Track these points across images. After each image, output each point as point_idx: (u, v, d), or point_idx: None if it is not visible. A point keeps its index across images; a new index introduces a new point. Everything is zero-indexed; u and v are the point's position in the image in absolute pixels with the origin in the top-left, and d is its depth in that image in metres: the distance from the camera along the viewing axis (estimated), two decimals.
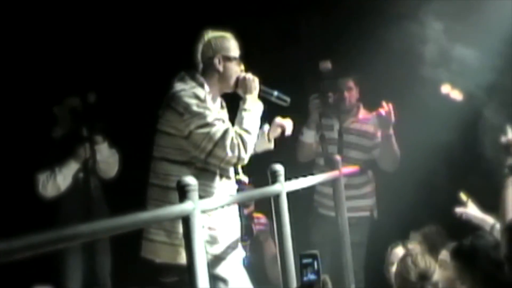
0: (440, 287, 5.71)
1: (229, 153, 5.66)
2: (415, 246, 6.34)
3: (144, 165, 6.08)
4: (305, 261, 4.61)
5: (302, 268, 4.63)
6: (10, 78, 8.85)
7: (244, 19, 9.18)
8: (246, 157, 5.76)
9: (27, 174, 7.90)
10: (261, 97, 6.01)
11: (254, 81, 5.95)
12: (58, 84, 8.36)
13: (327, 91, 8.69)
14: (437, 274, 5.76)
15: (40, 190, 7.86)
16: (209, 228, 5.70)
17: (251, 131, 5.77)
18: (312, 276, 4.56)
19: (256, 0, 9.83)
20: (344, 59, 8.83)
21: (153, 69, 7.95)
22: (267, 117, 6.15)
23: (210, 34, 6.02)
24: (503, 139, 6.26)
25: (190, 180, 4.57)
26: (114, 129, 8.22)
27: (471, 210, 6.58)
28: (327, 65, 8.73)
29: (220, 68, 5.92)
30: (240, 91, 5.97)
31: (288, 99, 6.11)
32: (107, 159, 8.13)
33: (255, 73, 6.05)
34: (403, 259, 6.00)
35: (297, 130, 8.50)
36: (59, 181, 7.90)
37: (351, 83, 8.73)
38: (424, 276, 5.74)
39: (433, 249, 7.13)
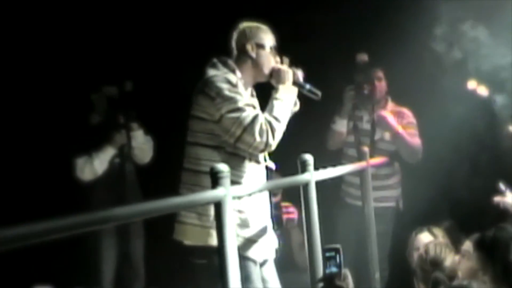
0: (459, 275, 5.72)
1: (258, 139, 5.62)
2: (438, 232, 6.34)
3: (178, 151, 6.08)
4: (328, 254, 4.74)
5: (325, 261, 4.77)
6: (50, 65, 8.89)
7: (270, 14, 9.21)
8: (274, 144, 5.72)
9: (65, 158, 7.93)
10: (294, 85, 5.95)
11: (288, 73, 5.91)
12: (96, 73, 8.39)
13: (362, 83, 8.70)
14: (449, 262, 5.80)
15: (77, 173, 7.91)
16: (239, 211, 5.68)
17: (280, 119, 5.74)
18: (334, 269, 4.68)
19: None
20: (370, 50, 8.83)
21: (187, 58, 7.94)
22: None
23: (246, 24, 6.02)
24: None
25: (223, 167, 4.57)
26: (149, 116, 8.25)
27: (509, 199, 6.55)
28: (363, 57, 8.74)
29: (253, 54, 5.89)
30: (273, 81, 5.93)
31: (319, 93, 6.04)
32: (142, 145, 8.16)
33: (291, 66, 6.01)
34: (421, 250, 6.05)
35: (328, 119, 8.59)
36: (96, 165, 7.94)
37: (380, 74, 8.72)
38: (435, 263, 5.77)
39: (455, 241, 7.16)
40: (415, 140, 8.55)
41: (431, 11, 8.61)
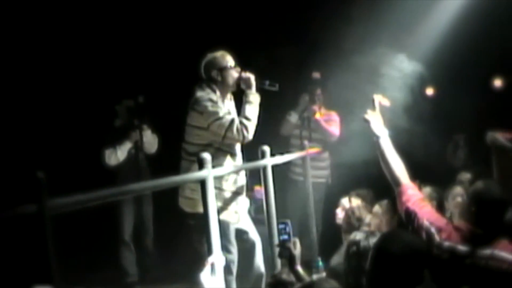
0: (372, 228, 5.77)
1: (236, 136, 5.73)
2: (356, 199, 6.36)
3: (175, 144, 6.18)
4: (280, 226, 4.65)
5: (279, 231, 4.70)
6: (91, 87, 8.97)
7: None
8: (249, 136, 5.80)
9: (98, 150, 7.97)
10: (257, 86, 5.96)
11: (251, 78, 5.92)
12: (119, 90, 8.43)
13: (314, 93, 8.80)
14: (368, 219, 5.85)
15: (106, 160, 7.88)
16: (219, 189, 5.73)
17: (250, 118, 5.80)
18: (285, 237, 4.59)
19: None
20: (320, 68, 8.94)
21: (183, 79, 8.00)
22: None
23: (208, 55, 6.01)
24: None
25: (206, 155, 4.66)
26: (157, 120, 8.30)
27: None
28: (317, 75, 8.88)
29: (219, 78, 5.92)
30: (243, 87, 5.95)
31: (277, 85, 6.06)
32: (150, 140, 8.16)
33: (252, 71, 6.02)
34: (347, 210, 6.09)
35: (285, 108, 8.77)
36: (119, 155, 7.92)
37: (319, 91, 8.85)
38: (360, 219, 5.86)
39: (369, 205, 7.23)
40: (332, 130, 8.67)
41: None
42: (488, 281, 4.06)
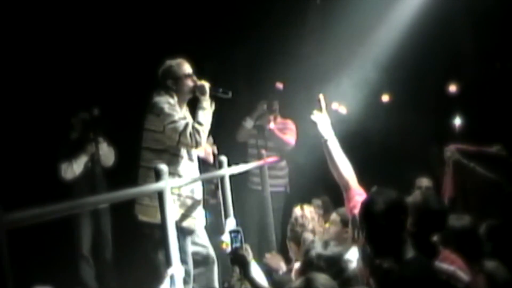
0: (316, 234, 5.77)
1: (189, 140, 5.74)
2: (308, 207, 6.37)
3: (133, 156, 6.15)
4: (233, 235, 4.72)
5: (231, 239, 4.74)
6: (45, 102, 8.91)
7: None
8: (202, 141, 5.82)
9: (53, 164, 7.92)
10: (210, 93, 5.97)
11: (205, 86, 5.95)
12: (74, 103, 8.38)
13: (273, 101, 8.83)
14: (311, 226, 5.81)
15: (62, 174, 7.87)
16: (179, 195, 5.78)
17: (203, 123, 5.82)
18: (238, 244, 4.67)
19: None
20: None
21: (138, 88, 7.96)
22: None
23: (165, 63, 6.05)
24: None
25: (163, 166, 4.64)
26: (112, 132, 8.27)
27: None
28: (280, 85, 8.94)
29: (174, 87, 5.95)
30: (197, 94, 5.96)
31: (230, 92, 6.08)
32: (107, 153, 8.16)
33: (205, 77, 6.07)
34: (291, 218, 6.12)
35: (241, 117, 8.81)
36: (75, 168, 7.91)
37: (277, 104, 8.91)
38: (302, 226, 5.87)
39: (325, 212, 7.26)
40: (288, 138, 8.71)
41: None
42: None
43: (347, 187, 4.61)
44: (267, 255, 6.28)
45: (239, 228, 4.78)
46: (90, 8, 9.23)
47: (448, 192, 5.76)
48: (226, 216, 5.97)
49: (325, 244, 4.20)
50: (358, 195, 4.54)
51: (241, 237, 4.69)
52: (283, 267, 6.04)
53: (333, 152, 4.68)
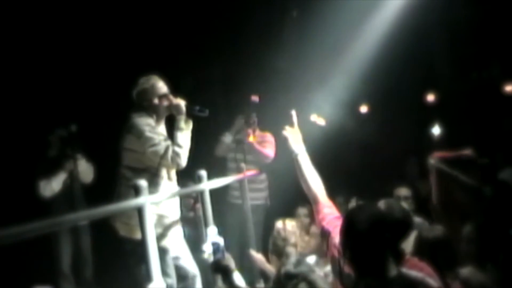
0: (298, 248, 5.88)
1: (170, 163, 5.74)
2: (289, 221, 6.37)
3: (111, 173, 6.14)
4: (214, 246, 4.80)
5: (213, 250, 4.81)
6: (21, 120, 8.86)
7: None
8: (182, 162, 5.80)
9: (31, 181, 7.88)
10: (187, 112, 5.92)
11: (181, 105, 5.90)
12: (52, 120, 8.35)
13: (250, 115, 8.83)
14: (293, 240, 5.88)
15: (41, 192, 7.83)
16: (158, 214, 5.77)
17: (182, 145, 5.78)
18: (219, 255, 4.74)
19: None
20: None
21: (114, 104, 7.94)
22: None
23: (140, 83, 6.03)
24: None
25: (143, 182, 4.63)
26: (90, 148, 8.24)
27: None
28: (256, 98, 8.92)
29: (150, 108, 5.93)
30: (174, 113, 5.94)
31: (206, 111, 6.01)
32: (85, 170, 8.12)
33: (181, 94, 6.04)
34: (273, 232, 6.13)
35: (220, 132, 8.75)
36: (53, 186, 7.86)
37: (255, 117, 8.91)
38: (284, 240, 5.89)
39: (312, 221, 7.27)
40: (267, 151, 8.71)
41: None
42: None
43: (316, 200, 4.61)
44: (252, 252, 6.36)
45: (220, 241, 4.82)
46: (65, 24, 9.21)
47: (435, 199, 5.80)
48: (207, 226, 5.95)
49: (298, 261, 4.13)
50: (327, 207, 4.56)
51: (222, 248, 4.75)
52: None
53: (303, 166, 4.71)
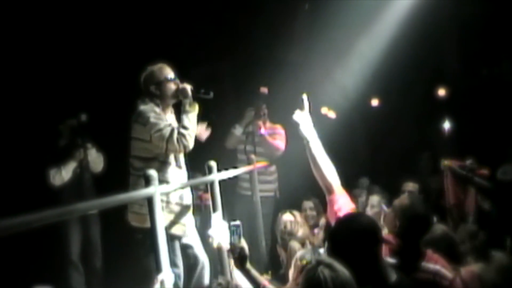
0: (306, 242, 5.86)
1: (176, 146, 5.72)
2: (296, 213, 6.35)
3: (121, 162, 6.11)
4: (232, 228, 4.72)
5: (230, 232, 4.73)
6: (32, 109, 8.87)
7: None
8: (189, 146, 5.79)
9: (42, 170, 7.88)
10: (193, 96, 5.91)
11: (187, 88, 5.91)
12: (62, 109, 8.34)
13: (260, 107, 8.79)
14: (300, 233, 5.92)
15: (51, 181, 7.83)
16: (167, 202, 5.75)
17: (188, 127, 5.78)
18: (236, 238, 4.66)
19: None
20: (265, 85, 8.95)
21: (124, 94, 7.94)
22: None
23: (147, 70, 6.03)
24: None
25: (152, 172, 4.61)
26: (100, 138, 8.23)
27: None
28: (265, 90, 8.88)
29: (157, 92, 5.93)
30: (181, 97, 5.94)
31: (211, 93, 5.99)
32: (95, 159, 8.12)
33: (191, 84, 6.00)
34: (280, 225, 6.11)
35: (230, 124, 8.74)
36: (63, 174, 7.86)
37: (265, 108, 8.86)
38: (291, 234, 5.86)
39: (318, 213, 7.26)
40: (278, 143, 8.66)
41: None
42: None
43: (330, 189, 4.44)
44: None
45: (239, 223, 4.75)
46: (75, 15, 9.19)
47: (452, 199, 5.84)
48: (214, 211, 5.93)
49: (313, 249, 4.14)
50: (342, 197, 4.44)
51: (239, 231, 4.68)
52: None
53: (315, 153, 4.48)
